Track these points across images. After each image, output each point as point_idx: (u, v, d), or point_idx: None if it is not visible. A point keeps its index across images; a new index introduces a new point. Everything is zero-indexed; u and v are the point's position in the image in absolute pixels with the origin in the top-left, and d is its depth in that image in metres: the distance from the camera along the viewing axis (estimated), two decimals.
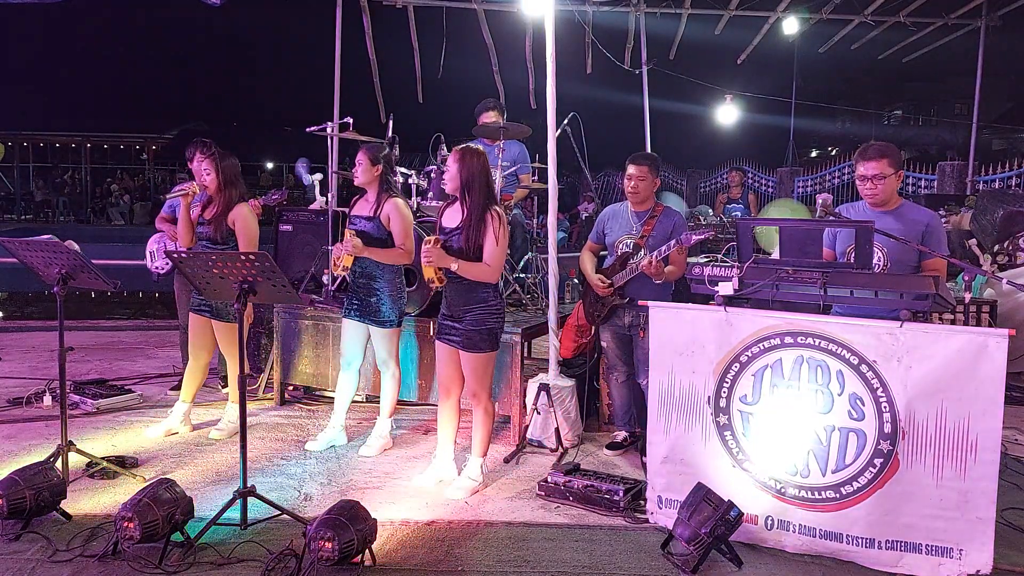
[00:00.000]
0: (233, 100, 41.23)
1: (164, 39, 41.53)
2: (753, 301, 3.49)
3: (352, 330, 4.60)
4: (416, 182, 5.47)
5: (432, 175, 5.46)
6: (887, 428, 3.18)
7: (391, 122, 5.71)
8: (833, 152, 27.46)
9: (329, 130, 5.86)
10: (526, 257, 6.06)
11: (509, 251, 5.80)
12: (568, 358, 5.09)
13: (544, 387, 4.69)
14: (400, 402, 5.14)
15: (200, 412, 5.25)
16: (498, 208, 3.88)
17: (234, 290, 3.51)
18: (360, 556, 3.17)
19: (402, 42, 9.99)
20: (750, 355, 3.42)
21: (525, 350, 5.12)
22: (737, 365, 3.46)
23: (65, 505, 3.61)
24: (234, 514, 3.48)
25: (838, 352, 3.25)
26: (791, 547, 3.38)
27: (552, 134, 4.88)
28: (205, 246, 4.67)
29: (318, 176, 6.15)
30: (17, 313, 10.82)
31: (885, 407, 3.18)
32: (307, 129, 5.86)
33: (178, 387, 5.12)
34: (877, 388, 3.19)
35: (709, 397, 3.53)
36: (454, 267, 3.80)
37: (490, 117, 5.97)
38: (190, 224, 4.78)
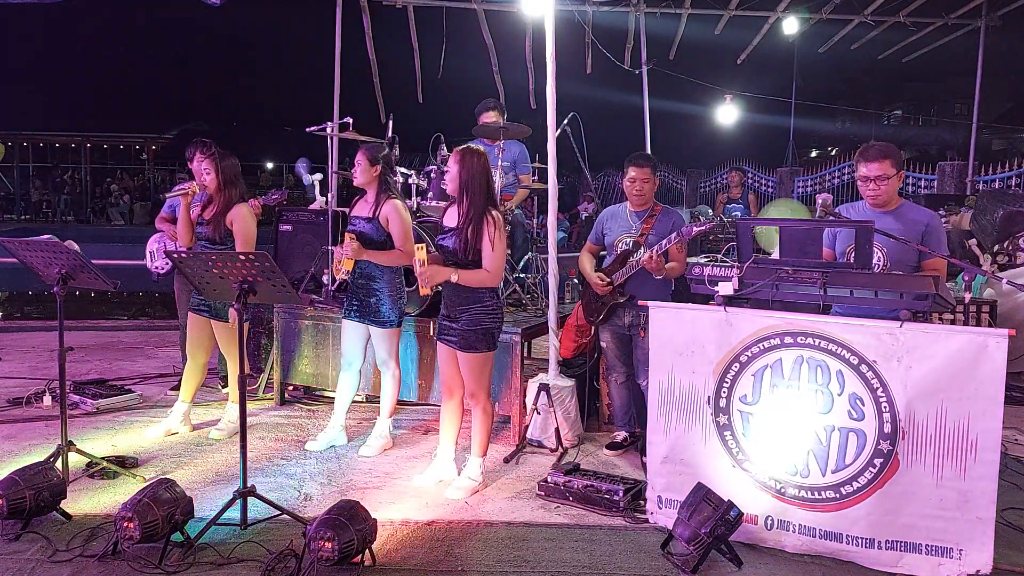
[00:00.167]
0: (233, 100, 41.27)
1: (164, 39, 41.57)
2: (753, 301, 3.49)
3: (352, 331, 4.61)
4: (416, 182, 5.47)
5: (432, 175, 5.46)
6: (887, 428, 3.18)
7: (391, 122, 5.71)
8: (833, 152, 27.47)
9: (329, 130, 5.86)
10: (526, 257, 6.06)
11: (509, 251, 5.80)
12: (568, 358, 5.09)
13: (544, 387, 4.69)
14: (400, 402, 5.14)
15: (200, 412, 5.25)
16: (496, 212, 3.87)
17: (234, 290, 3.51)
18: (360, 556, 3.17)
19: (402, 42, 9.99)
20: (750, 355, 3.42)
21: (525, 350, 5.12)
22: (737, 365, 3.46)
23: (65, 505, 3.61)
24: (234, 514, 3.48)
25: (838, 352, 3.25)
26: (791, 547, 3.38)
27: (552, 134, 4.88)
28: (204, 246, 4.66)
29: (318, 176, 6.15)
30: (17, 313, 10.82)
31: (885, 407, 3.18)
32: (307, 129, 5.86)
33: (178, 387, 5.12)
34: (877, 388, 3.19)
35: (709, 397, 3.53)
36: (454, 278, 3.81)
37: (490, 117, 5.97)
38: (190, 224, 4.78)
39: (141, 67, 41.24)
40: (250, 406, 4.91)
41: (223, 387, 5.48)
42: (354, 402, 5.42)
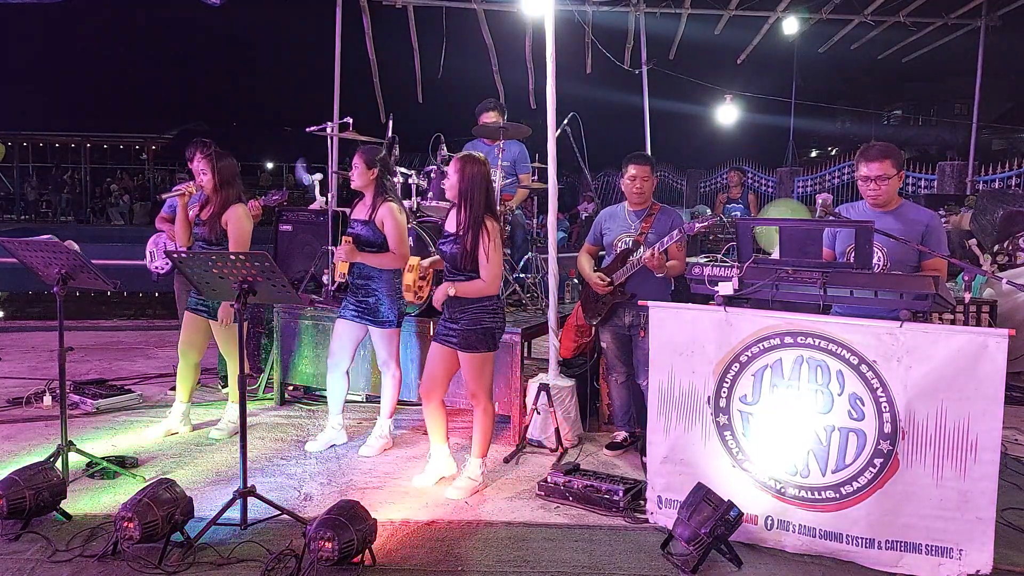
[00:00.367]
0: (233, 100, 41.28)
1: (164, 39, 41.58)
2: (753, 301, 3.49)
3: (344, 330, 4.59)
4: (416, 182, 5.47)
5: (432, 175, 5.46)
6: (887, 428, 3.18)
7: (391, 122, 5.71)
8: (833, 152, 27.47)
9: (329, 130, 5.86)
10: (526, 257, 6.06)
11: (509, 251, 5.80)
12: (568, 358, 5.10)
13: (544, 387, 4.69)
14: (400, 402, 5.14)
15: (200, 412, 5.25)
16: (491, 222, 3.87)
17: (234, 290, 3.51)
18: (360, 556, 3.17)
19: (402, 42, 10.00)
20: (750, 355, 3.42)
21: (525, 350, 5.12)
22: (737, 365, 3.46)
23: (65, 505, 3.61)
24: (234, 514, 3.48)
25: (838, 352, 3.25)
26: (791, 547, 3.38)
27: (552, 134, 4.88)
28: (201, 246, 4.65)
29: (318, 176, 6.15)
30: (17, 313, 10.82)
31: (885, 407, 3.18)
32: (307, 129, 5.86)
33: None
34: (877, 388, 3.19)
35: (709, 397, 3.53)
36: (452, 292, 3.85)
37: (490, 117, 5.97)
38: (187, 224, 4.77)
39: (141, 67, 41.28)
40: (250, 406, 4.91)
41: (223, 387, 5.48)
42: (354, 402, 5.43)
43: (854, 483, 3.25)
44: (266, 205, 5.76)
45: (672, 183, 20.47)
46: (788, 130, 19.89)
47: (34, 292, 11.85)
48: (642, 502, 3.78)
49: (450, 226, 4.00)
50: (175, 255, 3.69)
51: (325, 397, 5.57)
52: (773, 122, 21.33)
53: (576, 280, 5.93)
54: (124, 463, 4.25)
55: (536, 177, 6.13)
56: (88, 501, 3.81)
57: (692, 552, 3.24)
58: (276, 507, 3.57)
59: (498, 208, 5.26)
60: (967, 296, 3.54)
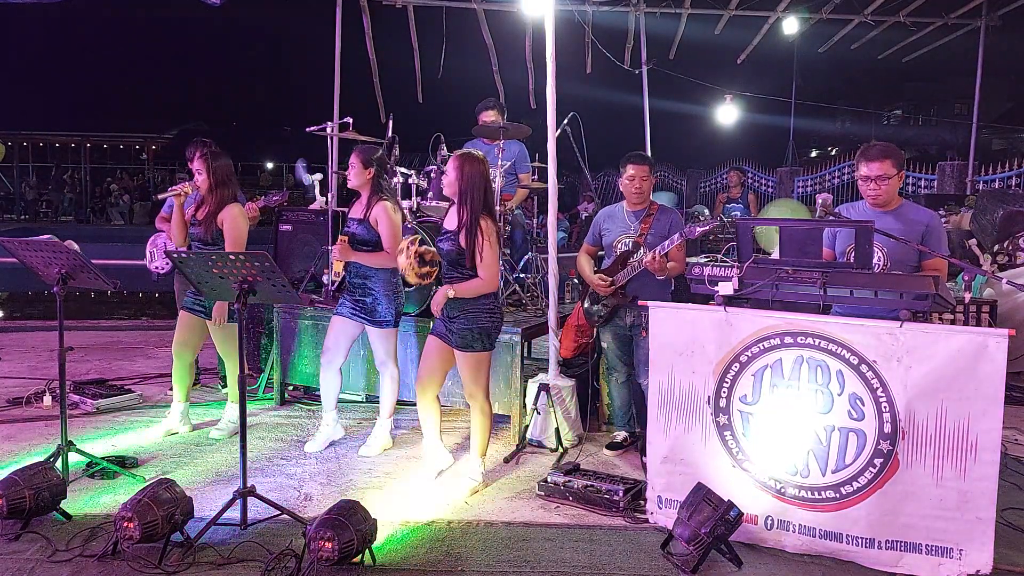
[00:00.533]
0: (233, 100, 41.29)
1: (164, 39, 41.55)
2: (753, 301, 3.49)
3: (339, 327, 4.58)
4: (416, 182, 5.47)
5: (432, 175, 5.47)
6: (887, 428, 3.18)
7: (391, 122, 5.71)
8: (833, 152, 27.47)
9: (329, 130, 5.87)
10: (526, 257, 6.06)
11: (508, 251, 5.80)
12: (568, 358, 5.09)
13: (544, 387, 4.69)
14: (400, 402, 5.14)
15: (200, 412, 5.25)
16: (488, 221, 3.87)
17: (234, 290, 3.51)
18: (360, 556, 3.17)
19: (402, 42, 10.00)
20: (750, 355, 3.42)
21: (525, 350, 5.12)
22: (737, 365, 3.46)
23: (65, 505, 3.61)
24: (234, 514, 3.48)
25: (838, 352, 3.25)
26: (791, 547, 3.38)
27: (552, 134, 4.88)
28: (197, 247, 4.64)
29: (318, 176, 6.15)
30: (17, 313, 10.82)
31: (885, 407, 3.18)
32: (307, 129, 5.87)
33: None
34: (877, 388, 3.19)
35: (709, 397, 3.53)
36: (451, 294, 3.84)
37: (490, 116, 5.98)
38: (183, 224, 4.76)
39: (141, 67, 41.27)
40: (250, 406, 4.91)
41: (223, 387, 5.48)
42: (354, 402, 5.43)
43: (854, 483, 3.25)
44: (266, 205, 5.76)
45: (672, 183, 20.47)
46: (788, 130, 19.89)
47: (34, 292, 11.85)
48: (642, 502, 3.78)
49: (448, 224, 4.00)
50: (175, 255, 3.69)
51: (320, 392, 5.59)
52: (773, 122, 21.33)
53: (576, 280, 5.93)
54: (124, 463, 4.25)
55: (536, 177, 6.13)
56: (88, 501, 3.81)
57: (692, 552, 3.24)
58: (276, 507, 3.56)
59: (498, 208, 5.28)
60: (967, 296, 3.55)
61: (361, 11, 9.09)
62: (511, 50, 9.91)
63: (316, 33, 10.65)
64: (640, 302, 3.83)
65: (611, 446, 4.73)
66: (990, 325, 6.14)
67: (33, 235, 4.39)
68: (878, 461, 3.20)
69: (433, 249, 4.05)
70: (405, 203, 5.35)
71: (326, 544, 3.03)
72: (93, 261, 4.00)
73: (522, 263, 6.00)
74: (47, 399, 5.45)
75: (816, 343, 3.29)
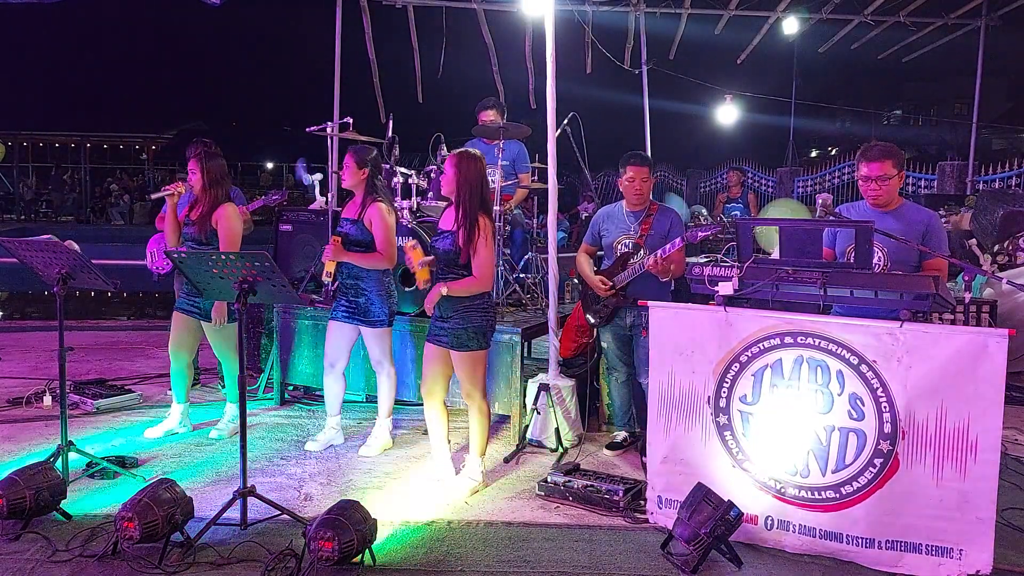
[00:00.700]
0: (233, 100, 41.26)
1: (164, 39, 41.54)
2: (753, 301, 3.49)
3: (337, 331, 4.59)
4: (416, 182, 5.47)
5: (432, 175, 5.46)
6: (887, 428, 3.18)
7: (391, 122, 5.71)
8: (833, 152, 27.46)
9: (329, 130, 5.86)
10: (526, 257, 6.06)
11: (509, 251, 5.80)
12: (568, 358, 5.09)
13: (544, 387, 4.69)
14: (400, 402, 5.14)
15: (200, 412, 5.25)
16: (484, 219, 3.88)
17: (234, 290, 3.51)
18: (360, 556, 3.17)
19: (402, 42, 9.99)
20: (750, 355, 3.42)
21: (525, 350, 5.12)
22: (737, 365, 3.46)
23: (65, 505, 3.61)
24: (234, 514, 3.48)
25: (838, 352, 3.25)
26: (791, 547, 3.38)
27: (552, 134, 4.88)
28: (191, 246, 4.63)
29: (318, 176, 6.15)
30: (17, 313, 10.82)
31: (885, 407, 3.18)
32: (307, 129, 5.86)
33: None
34: (877, 388, 3.19)
35: (709, 397, 3.53)
36: (444, 291, 3.84)
37: (490, 115, 5.98)
38: (176, 224, 4.74)
39: (141, 67, 41.24)
40: (250, 406, 4.90)
41: (223, 387, 5.47)
42: (354, 402, 5.43)
43: (854, 483, 3.25)
44: (266, 205, 5.76)
45: (672, 183, 20.47)
46: (788, 130, 19.90)
47: (34, 292, 11.85)
48: (642, 502, 3.78)
49: (445, 223, 4.01)
50: (175, 255, 3.69)
51: (324, 398, 5.59)
52: (773, 122, 21.34)
53: (576, 280, 5.93)
54: (124, 463, 4.24)
55: (536, 177, 6.13)
56: (88, 501, 3.81)
57: (692, 552, 3.24)
58: (276, 507, 3.56)
59: (497, 208, 5.29)
60: (967, 296, 3.55)
61: (361, 11, 9.09)
62: (511, 50, 9.91)
63: (316, 33, 10.65)
64: (640, 302, 3.83)
65: (611, 446, 4.73)
66: (990, 325, 6.14)
67: (32, 235, 4.39)
68: (878, 461, 3.20)
69: (430, 259, 4.07)
70: (405, 203, 5.34)
71: (326, 544, 3.03)
72: (93, 261, 4.00)
73: (522, 263, 5.99)
74: (47, 399, 5.45)
75: (816, 343, 3.29)
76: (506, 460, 4.54)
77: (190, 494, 3.43)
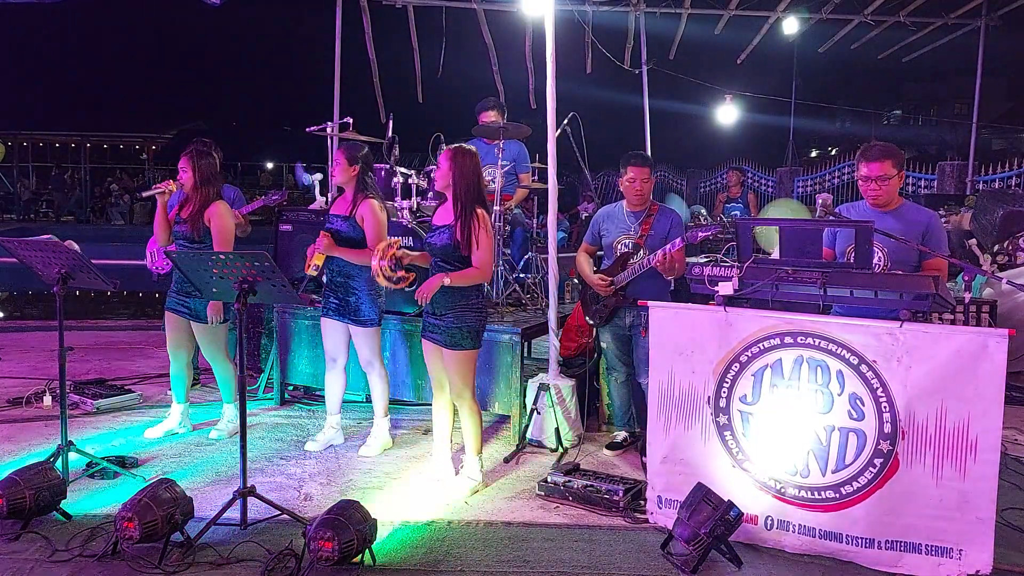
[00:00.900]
0: (233, 100, 41.26)
1: (164, 39, 41.55)
2: (753, 301, 3.49)
3: (332, 328, 4.58)
4: (416, 182, 5.47)
5: (432, 175, 5.46)
6: (887, 428, 3.18)
7: (391, 122, 5.71)
8: (833, 152, 27.47)
9: (329, 130, 5.87)
10: (526, 257, 6.06)
11: (509, 251, 5.80)
12: (568, 358, 5.09)
13: (544, 387, 4.69)
14: (400, 402, 5.15)
15: (200, 412, 5.25)
16: (481, 210, 3.89)
17: (234, 290, 3.51)
18: (360, 556, 3.17)
19: (402, 42, 9.99)
20: (750, 355, 3.42)
21: (525, 350, 5.12)
22: (737, 365, 3.46)
23: (65, 505, 3.61)
24: (234, 514, 3.48)
25: (838, 352, 3.25)
26: (791, 547, 3.38)
27: (552, 134, 4.88)
28: (183, 245, 4.62)
29: (318, 176, 6.15)
30: (17, 313, 10.82)
31: (885, 407, 3.18)
32: (307, 129, 5.86)
33: None
34: (877, 388, 3.19)
35: (709, 397, 3.53)
36: (447, 281, 3.82)
37: (490, 116, 5.98)
38: (166, 223, 4.73)
39: (141, 67, 41.24)
40: (250, 406, 4.90)
41: None
42: (354, 402, 5.43)
43: (854, 483, 3.25)
44: (266, 205, 5.76)
45: (672, 183, 20.47)
46: (788, 130, 19.90)
47: (34, 292, 11.85)
48: (642, 502, 3.78)
49: (439, 219, 4.01)
50: (174, 255, 3.69)
51: (325, 397, 5.59)
52: (773, 122, 21.34)
53: (576, 280, 5.93)
54: (124, 463, 4.25)
55: (536, 177, 6.13)
56: (88, 501, 3.81)
57: (692, 552, 3.24)
58: (276, 507, 3.57)
59: (497, 208, 5.29)
60: (967, 296, 3.55)
61: (361, 11, 9.09)
62: (511, 50, 9.91)
63: (316, 33, 10.66)
64: (640, 302, 3.83)
65: (611, 446, 4.73)
66: (990, 325, 6.14)
67: (32, 235, 4.39)
68: (878, 461, 3.20)
69: (415, 253, 4.05)
70: (405, 203, 5.35)
71: (326, 544, 3.03)
72: (93, 261, 3.99)
73: (522, 263, 5.99)
74: (47, 399, 5.45)
75: (816, 343, 3.29)
76: (506, 460, 4.54)
77: (190, 494, 3.43)
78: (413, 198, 5.43)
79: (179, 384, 4.88)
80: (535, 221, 6.37)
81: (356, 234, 4.40)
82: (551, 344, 4.86)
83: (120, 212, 25.32)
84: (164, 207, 4.72)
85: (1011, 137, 27.10)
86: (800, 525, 3.36)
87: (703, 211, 10.12)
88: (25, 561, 3.21)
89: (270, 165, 31.24)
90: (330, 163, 7.73)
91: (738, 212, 9.36)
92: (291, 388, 5.76)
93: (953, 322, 5.30)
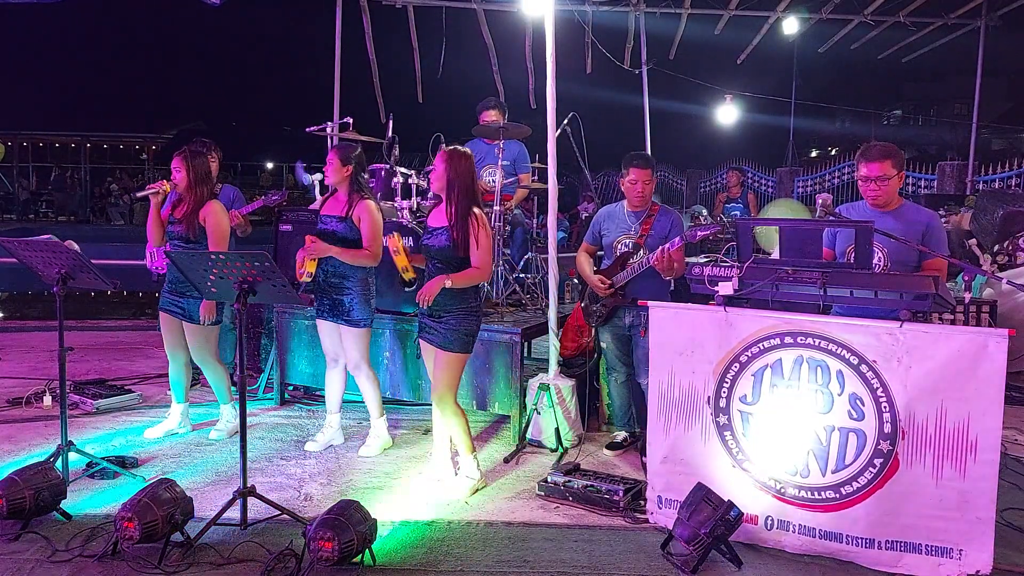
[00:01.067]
0: (233, 100, 41.24)
1: (164, 39, 41.54)
2: (753, 301, 3.49)
3: (328, 329, 4.58)
4: (416, 182, 5.47)
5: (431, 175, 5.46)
6: (887, 428, 3.18)
7: (391, 122, 5.71)
8: (833, 152, 27.47)
9: (329, 130, 5.86)
10: (526, 257, 6.06)
11: (509, 251, 5.80)
12: (568, 358, 5.09)
13: (544, 387, 4.69)
14: (400, 402, 5.14)
15: (200, 412, 5.25)
16: (478, 210, 3.90)
17: (234, 290, 3.51)
18: (360, 556, 3.17)
19: (402, 42, 10.00)
20: (750, 355, 3.42)
21: (525, 350, 5.12)
22: (737, 365, 3.46)
23: (65, 505, 3.61)
24: (234, 514, 3.48)
25: (838, 352, 3.25)
26: (791, 547, 3.38)
27: (552, 134, 4.88)
28: (178, 245, 4.61)
29: (318, 176, 6.13)
30: (17, 313, 10.82)
31: (885, 407, 3.18)
32: (307, 129, 5.86)
33: None
34: (877, 388, 3.19)
35: (709, 397, 3.53)
36: (448, 284, 3.82)
37: (491, 116, 5.98)
38: (159, 223, 4.71)
39: (141, 67, 41.22)
40: (250, 406, 4.90)
41: None
42: (354, 402, 5.42)
43: (854, 483, 3.25)
44: (265, 205, 5.76)
45: (672, 183, 20.47)
46: (788, 130, 19.92)
47: (34, 292, 11.85)
48: (642, 502, 3.78)
49: (434, 221, 4.01)
50: (174, 255, 3.69)
51: (324, 397, 5.59)
52: (773, 122, 21.36)
53: (576, 280, 5.93)
54: (124, 463, 4.25)
55: (536, 177, 6.13)
56: (88, 501, 3.81)
57: (692, 552, 3.24)
58: (276, 507, 3.57)
59: (498, 207, 5.29)
60: (967, 296, 3.55)
61: (361, 11, 9.10)
62: (511, 50, 9.92)
63: (316, 33, 10.67)
64: (640, 302, 3.83)
65: (611, 446, 4.73)
66: (990, 325, 6.14)
67: (32, 235, 4.39)
68: (878, 461, 3.20)
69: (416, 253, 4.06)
70: (405, 203, 5.35)
71: (326, 544, 3.03)
72: (93, 261, 3.99)
73: (522, 263, 5.99)
74: (47, 399, 5.45)
75: (816, 343, 3.29)
76: (506, 460, 4.54)
77: (190, 494, 3.43)
78: (413, 198, 5.43)
79: (178, 384, 4.88)
80: (535, 221, 6.37)
81: (352, 235, 4.39)
82: (551, 344, 4.86)
83: (120, 212, 25.32)
84: (157, 208, 4.71)
85: (1011, 137, 27.10)
86: (800, 525, 3.36)
87: (703, 211, 10.11)
88: (25, 561, 3.21)
89: (270, 165, 31.23)
90: None
91: (738, 212, 9.35)
92: (291, 388, 5.76)
93: (953, 322, 5.30)
